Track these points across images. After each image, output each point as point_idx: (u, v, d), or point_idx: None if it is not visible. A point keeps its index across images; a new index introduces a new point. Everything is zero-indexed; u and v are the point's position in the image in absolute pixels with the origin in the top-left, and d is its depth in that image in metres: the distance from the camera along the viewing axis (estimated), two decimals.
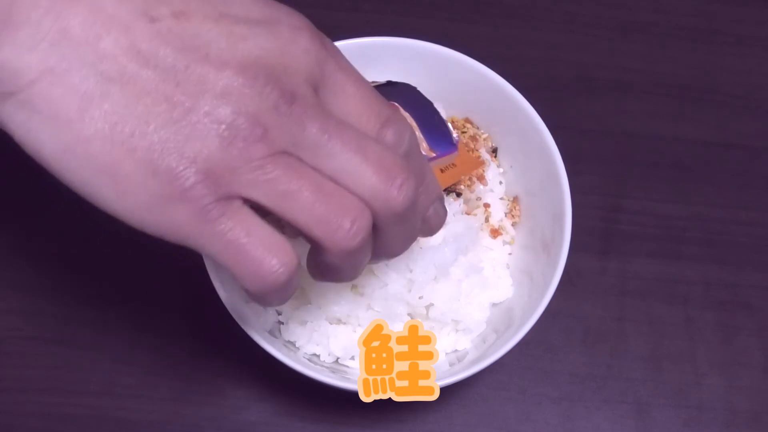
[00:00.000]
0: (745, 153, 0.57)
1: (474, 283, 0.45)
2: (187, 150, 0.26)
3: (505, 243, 0.48)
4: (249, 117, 0.26)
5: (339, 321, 0.45)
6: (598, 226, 0.54)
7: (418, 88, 0.50)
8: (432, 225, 0.34)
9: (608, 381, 0.50)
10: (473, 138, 0.49)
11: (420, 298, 0.44)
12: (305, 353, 0.45)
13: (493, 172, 0.49)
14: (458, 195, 0.46)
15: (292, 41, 0.27)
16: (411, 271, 0.44)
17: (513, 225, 0.49)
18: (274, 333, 0.46)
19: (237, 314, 0.41)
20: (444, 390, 0.40)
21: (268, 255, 0.27)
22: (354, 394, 0.39)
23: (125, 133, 0.26)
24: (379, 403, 0.41)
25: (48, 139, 0.26)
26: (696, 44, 0.61)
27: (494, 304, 0.47)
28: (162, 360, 0.49)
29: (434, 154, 0.42)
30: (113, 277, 0.51)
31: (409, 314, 0.45)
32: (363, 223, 0.28)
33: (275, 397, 0.49)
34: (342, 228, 0.27)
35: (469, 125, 0.50)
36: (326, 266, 0.30)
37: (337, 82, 0.29)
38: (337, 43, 0.47)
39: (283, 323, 0.46)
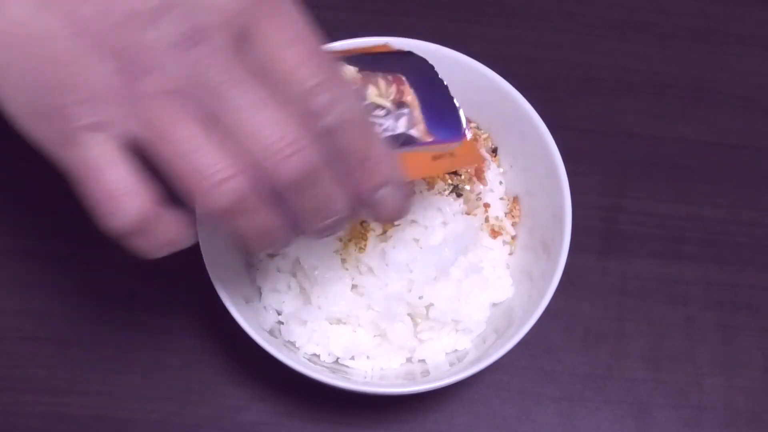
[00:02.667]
0: (745, 153, 0.57)
1: (474, 283, 0.45)
2: (74, 69, 0.25)
3: (505, 243, 0.48)
4: (144, 49, 0.25)
5: (339, 321, 0.45)
6: (598, 226, 0.54)
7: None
8: (381, 210, 0.30)
9: (608, 381, 0.50)
10: (473, 138, 0.49)
11: (420, 298, 0.44)
12: (305, 353, 0.45)
13: (493, 172, 0.49)
14: (458, 195, 0.46)
15: None
16: (411, 271, 0.44)
17: (513, 225, 0.49)
18: (274, 333, 0.46)
19: (237, 314, 0.41)
20: (444, 390, 0.40)
21: (118, 193, 0.26)
22: (354, 394, 0.39)
23: (22, 39, 0.25)
24: (379, 403, 0.41)
25: None
26: (696, 44, 0.61)
27: (494, 304, 0.47)
28: (162, 360, 0.49)
29: (431, 139, 0.38)
30: (113, 277, 0.51)
31: (409, 314, 0.45)
32: (235, 185, 0.25)
33: (275, 397, 0.49)
34: (210, 182, 0.25)
35: (469, 125, 0.50)
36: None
37: (267, 33, 0.26)
38: (338, 43, 0.47)
39: (283, 323, 0.46)
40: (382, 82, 0.35)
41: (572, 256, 0.43)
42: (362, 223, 0.45)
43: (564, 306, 0.51)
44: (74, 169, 0.26)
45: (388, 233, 0.45)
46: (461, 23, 0.60)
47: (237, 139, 0.25)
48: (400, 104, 0.35)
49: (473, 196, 0.47)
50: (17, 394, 0.48)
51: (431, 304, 0.44)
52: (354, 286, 0.45)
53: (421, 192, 0.46)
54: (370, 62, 0.34)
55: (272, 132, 0.25)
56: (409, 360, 0.46)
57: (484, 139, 0.50)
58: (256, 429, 0.48)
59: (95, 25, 0.25)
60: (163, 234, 0.28)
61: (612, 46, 0.60)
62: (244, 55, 0.26)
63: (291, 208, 0.27)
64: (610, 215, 0.55)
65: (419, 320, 0.45)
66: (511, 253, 0.49)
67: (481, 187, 0.48)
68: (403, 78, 0.36)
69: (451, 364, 0.45)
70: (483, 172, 0.48)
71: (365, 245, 0.44)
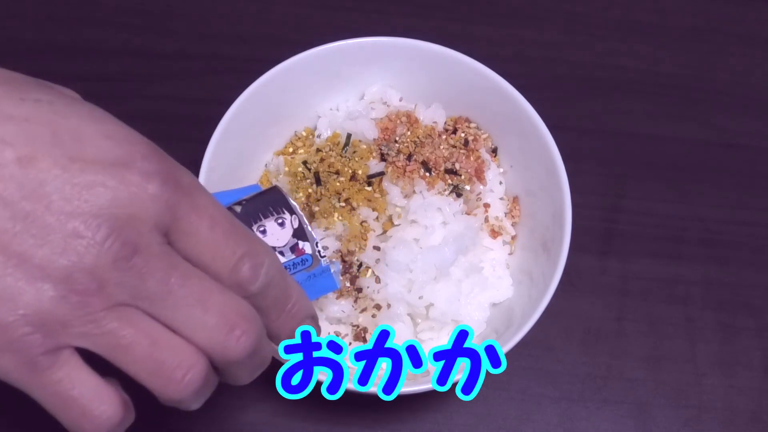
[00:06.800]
0: (745, 153, 0.57)
1: (474, 283, 0.45)
2: (19, 302, 0.26)
3: (505, 243, 0.48)
4: (85, 271, 0.26)
5: (339, 321, 0.45)
6: (598, 226, 0.54)
7: (418, 88, 0.50)
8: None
9: (608, 381, 0.50)
10: (474, 138, 0.49)
11: (420, 298, 0.44)
12: None
13: (493, 172, 0.49)
14: (458, 195, 0.46)
15: (141, 188, 0.27)
16: (411, 271, 0.44)
17: (513, 225, 0.49)
18: None
19: None
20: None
21: (93, 405, 0.28)
22: (354, 394, 0.39)
23: None
24: (379, 403, 0.41)
25: None
26: (696, 44, 0.61)
27: (494, 304, 0.47)
28: None
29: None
30: None
31: (409, 314, 0.45)
32: (195, 375, 0.28)
33: (275, 397, 0.49)
34: (173, 380, 0.28)
35: (469, 125, 0.50)
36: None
37: (190, 223, 0.28)
38: (337, 43, 0.47)
39: None
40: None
41: (572, 256, 0.43)
42: (362, 223, 0.45)
43: (564, 306, 0.51)
44: (44, 394, 0.28)
45: (388, 233, 0.45)
46: (461, 23, 0.60)
47: (189, 331, 0.28)
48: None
49: (473, 196, 0.47)
50: (17, 394, 0.48)
51: (431, 304, 0.44)
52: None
53: (421, 192, 0.46)
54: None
55: (220, 320, 0.28)
56: None
57: (484, 139, 0.50)
58: (256, 429, 0.48)
59: (31, 257, 0.26)
60: (129, 420, 0.30)
61: (612, 46, 0.60)
62: (175, 245, 0.28)
63: (228, 375, 0.31)
64: (610, 215, 0.55)
65: (419, 320, 0.45)
66: (511, 253, 0.49)
67: (481, 187, 0.48)
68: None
69: None
70: (483, 172, 0.48)
71: (365, 245, 0.44)
